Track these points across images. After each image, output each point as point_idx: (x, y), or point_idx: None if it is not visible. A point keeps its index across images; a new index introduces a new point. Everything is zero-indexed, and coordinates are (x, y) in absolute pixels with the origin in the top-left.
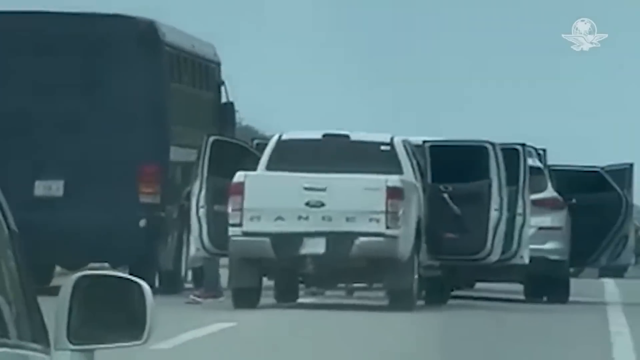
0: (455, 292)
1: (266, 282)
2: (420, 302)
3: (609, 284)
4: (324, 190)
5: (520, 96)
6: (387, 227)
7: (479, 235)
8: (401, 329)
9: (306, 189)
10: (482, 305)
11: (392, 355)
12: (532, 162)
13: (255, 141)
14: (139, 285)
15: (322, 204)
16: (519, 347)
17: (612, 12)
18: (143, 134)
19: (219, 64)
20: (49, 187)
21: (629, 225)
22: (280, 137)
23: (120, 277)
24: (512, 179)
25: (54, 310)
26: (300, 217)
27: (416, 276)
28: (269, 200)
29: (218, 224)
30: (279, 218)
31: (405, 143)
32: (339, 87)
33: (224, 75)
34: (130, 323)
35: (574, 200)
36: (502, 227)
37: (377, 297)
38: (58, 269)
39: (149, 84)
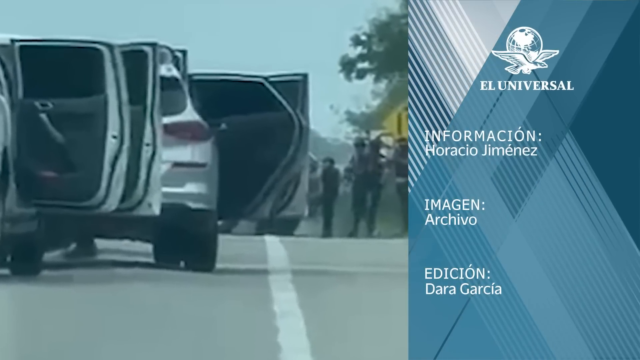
0: (59, 255)
1: None
2: (4, 271)
3: (273, 243)
4: None
5: None
6: None
7: (90, 173)
8: None
9: None
10: (87, 277)
11: None
12: (166, 70)
13: None
14: None
15: None
16: (122, 346)
17: None
18: None
19: None
20: None
21: (303, 160)
22: None
23: None
24: (137, 94)
25: None
26: None
27: None
28: None
29: None
30: None
31: None
32: None
33: None
34: None
35: (224, 126)
36: (123, 163)
37: None
38: None
39: None
